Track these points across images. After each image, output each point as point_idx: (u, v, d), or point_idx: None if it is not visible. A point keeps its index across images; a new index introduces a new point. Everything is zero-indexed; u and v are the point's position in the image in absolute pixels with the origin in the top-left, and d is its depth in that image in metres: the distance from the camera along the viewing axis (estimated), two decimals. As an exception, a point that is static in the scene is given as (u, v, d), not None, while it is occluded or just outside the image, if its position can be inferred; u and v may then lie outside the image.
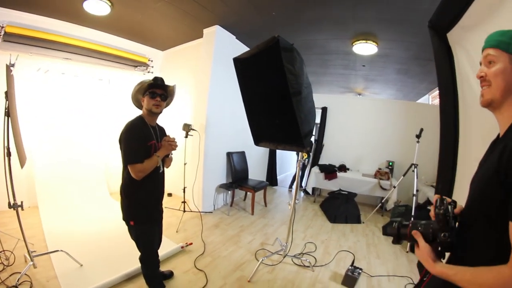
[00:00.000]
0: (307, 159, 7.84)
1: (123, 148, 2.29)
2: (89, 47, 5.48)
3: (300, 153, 3.37)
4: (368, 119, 7.21)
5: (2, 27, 4.36)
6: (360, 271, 3.29)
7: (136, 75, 6.46)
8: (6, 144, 2.74)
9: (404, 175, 5.12)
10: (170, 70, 6.65)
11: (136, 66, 6.37)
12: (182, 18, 4.96)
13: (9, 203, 2.78)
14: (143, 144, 2.30)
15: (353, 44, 5.18)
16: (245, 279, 3.25)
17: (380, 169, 6.29)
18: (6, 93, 2.71)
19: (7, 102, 2.70)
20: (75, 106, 5.65)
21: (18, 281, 2.70)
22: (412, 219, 3.86)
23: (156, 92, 2.40)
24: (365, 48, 5.25)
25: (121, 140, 2.31)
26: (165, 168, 2.66)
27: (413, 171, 4.78)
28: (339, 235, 4.80)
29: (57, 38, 5.01)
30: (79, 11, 4.58)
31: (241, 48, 5.86)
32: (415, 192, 4.62)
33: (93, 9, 4.51)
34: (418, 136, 4.85)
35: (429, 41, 3.16)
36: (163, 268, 3.30)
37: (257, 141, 3.49)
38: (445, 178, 2.51)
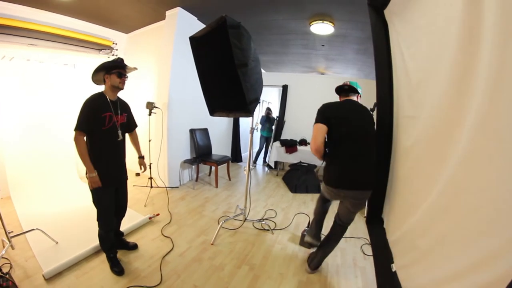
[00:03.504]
0: (269, 130, 8.25)
1: (77, 116, 2.65)
2: (54, 32, 5.46)
3: (252, 120, 3.75)
4: (327, 96, 7.36)
5: None
6: None
7: (101, 58, 6.34)
8: None
9: None
10: (134, 52, 6.77)
11: (101, 50, 6.40)
12: (145, 0, 5.06)
13: None
14: (94, 116, 2.65)
15: (311, 24, 5.31)
16: (208, 242, 3.60)
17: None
18: None
19: None
20: (41, 92, 5.62)
21: None
22: None
23: (122, 72, 2.81)
24: (322, 28, 5.39)
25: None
26: (126, 138, 3.05)
27: None
28: (300, 203, 5.15)
29: (20, 24, 4.98)
30: None
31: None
32: None
33: None
34: (372, 110, 4.90)
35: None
36: (132, 238, 3.61)
37: (212, 112, 3.75)
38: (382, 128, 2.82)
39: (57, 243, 3.48)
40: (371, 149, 2.70)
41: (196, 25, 5.75)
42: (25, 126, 5.35)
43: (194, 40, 3.44)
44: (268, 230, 4.01)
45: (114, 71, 2.77)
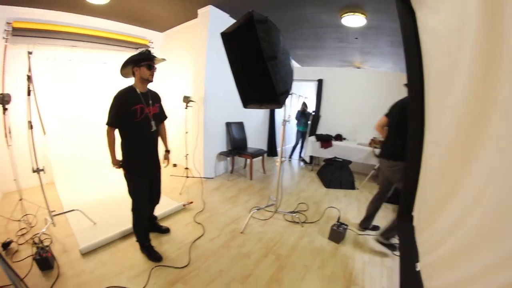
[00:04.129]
0: (305, 125, 8.19)
1: (108, 111, 2.76)
2: (92, 34, 5.83)
3: (284, 113, 3.78)
4: (363, 90, 7.34)
5: (10, 23, 4.76)
6: (345, 227, 3.54)
7: None
8: (28, 119, 3.22)
9: None
10: (170, 49, 6.98)
11: (138, 48, 6.63)
12: (177, 0, 5.24)
13: (32, 168, 3.29)
14: (125, 109, 2.72)
15: (342, 16, 5.22)
16: (238, 231, 3.73)
17: (374, 138, 6.43)
18: (28, 76, 3.16)
19: (29, 84, 3.17)
20: (81, 88, 6.06)
21: (39, 235, 3.19)
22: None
23: (152, 64, 2.85)
24: (354, 20, 5.27)
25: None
26: (158, 131, 3.11)
27: None
28: (332, 198, 5.11)
29: (61, 28, 5.37)
30: (81, 1, 4.90)
31: None
32: None
33: None
34: None
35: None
36: (165, 223, 3.81)
37: (245, 104, 3.81)
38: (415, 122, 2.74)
39: (95, 223, 3.77)
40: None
41: (228, 22, 5.74)
42: (66, 119, 5.81)
43: (225, 36, 3.51)
44: (298, 222, 4.02)
45: (143, 63, 2.81)
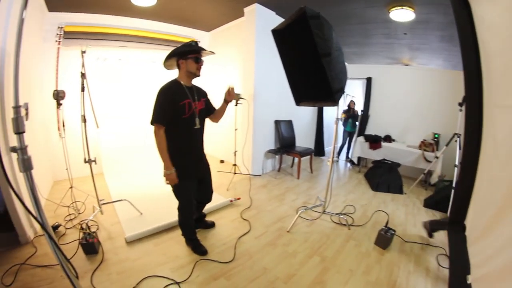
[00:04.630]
0: (352, 125, 7.93)
1: (153, 108, 2.56)
2: (140, 34, 6.11)
3: (337, 111, 3.63)
4: (414, 89, 7.07)
5: (61, 28, 5.13)
6: (393, 233, 3.35)
7: None
8: (82, 113, 3.39)
9: (447, 145, 4.99)
10: (217, 47, 6.94)
11: None
12: (223, 0, 5.28)
13: (84, 158, 3.47)
14: (173, 105, 2.54)
15: (389, 11, 5.03)
16: (284, 229, 3.66)
17: (425, 140, 6.16)
18: (81, 73, 3.32)
19: (83, 80, 3.32)
20: (131, 86, 6.33)
21: (87, 221, 3.32)
22: (452, 191, 3.88)
23: (199, 57, 2.68)
24: (402, 15, 5.05)
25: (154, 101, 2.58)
26: (204, 128, 2.91)
27: (455, 141, 4.58)
28: (380, 202, 4.91)
29: (110, 30, 5.69)
30: (128, 4, 5.08)
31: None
32: (457, 163, 4.40)
33: (140, 1, 4.99)
34: (460, 104, 4.48)
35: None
36: (212, 217, 3.80)
37: (298, 101, 3.74)
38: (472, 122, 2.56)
39: (141, 214, 3.86)
40: None
41: (275, 19, 5.83)
42: (116, 115, 6.12)
43: (276, 33, 3.45)
44: (345, 225, 3.90)
45: (190, 56, 2.63)
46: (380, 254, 3.25)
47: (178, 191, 2.84)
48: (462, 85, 2.75)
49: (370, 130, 7.55)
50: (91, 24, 5.48)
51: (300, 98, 3.71)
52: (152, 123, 2.57)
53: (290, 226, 3.70)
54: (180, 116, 2.59)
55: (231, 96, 2.98)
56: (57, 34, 5.13)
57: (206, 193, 3.20)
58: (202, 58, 2.75)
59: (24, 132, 1.56)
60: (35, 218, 1.55)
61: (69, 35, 5.24)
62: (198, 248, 3.02)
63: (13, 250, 2.94)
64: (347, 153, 8.49)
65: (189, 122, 2.69)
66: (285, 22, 3.21)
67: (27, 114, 1.61)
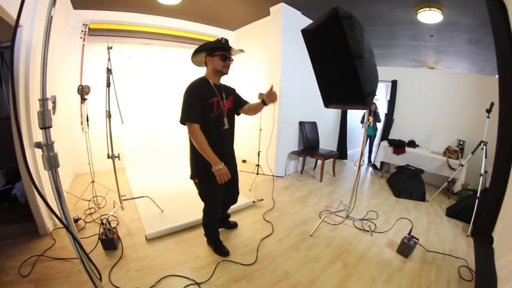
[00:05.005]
0: (373, 128, 7.80)
1: (182, 106, 2.42)
2: (165, 32, 6.15)
3: (365, 115, 3.60)
4: (439, 94, 6.89)
5: (86, 25, 5.23)
6: (416, 241, 3.27)
7: None
8: (107, 108, 3.39)
9: (472, 153, 4.84)
10: (241, 47, 6.89)
11: None
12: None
13: (108, 154, 3.48)
14: (202, 102, 2.42)
15: (417, 12, 4.97)
16: (307, 233, 3.60)
17: (449, 147, 6.00)
18: (107, 69, 3.32)
19: (108, 76, 3.32)
20: (156, 83, 6.37)
21: (108, 216, 3.34)
22: (476, 201, 3.86)
23: (227, 55, 2.56)
24: (430, 16, 4.99)
25: (182, 99, 2.45)
26: (234, 128, 2.80)
27: (482, 149, 4.43)
28: (402, 209, 4.80)
29: (135, 28, 5.75)
30: (153, 2, 5.14)
31: (307, 23, 5.93)
32: (482, 173, 4.26)
33: None
34: (488, 111, 4.47)
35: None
36: (234, 218, 3.74)
37: (327, 103, 3.66)
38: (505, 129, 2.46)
39: (162, 211, 3.84)
40: None
41: (300, 19, 5.83)
42: (140, 112, 6.18)
43: (306, 33, 3.39)
44: (368, 231, 3.82)
45: (217, 53, 2.53)
46: (402, 262, 3.17)
47: (204, 194, 2.78)
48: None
49: (394, 134, 7.37)
50: (115, 22, 5.55)
51: (329, 100, 3.63)
52: (182, 122, 2.45)
53: (313, 230, 3.63)
54: (209, 115, 2.49)
55: (271, 99, 2.79)
56: (82, 31, 5.23)
57: (232, 196, 3.13)
58: (232, 57, 2.65)
59: (50, 127, 1.49)
60: (61, 221, 1.54)
61: (93, 32, 5.33)
62: (220, 249, 2.98)
63: (32, 241, 2.98)
64: (369, 157, 8.35)
65: (218, 121, 2.59)
66: (315, 22, 3.14)
67: (54, 107, 1.62)
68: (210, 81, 2.59)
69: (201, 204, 2.87)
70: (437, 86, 6.96)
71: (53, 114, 1.37)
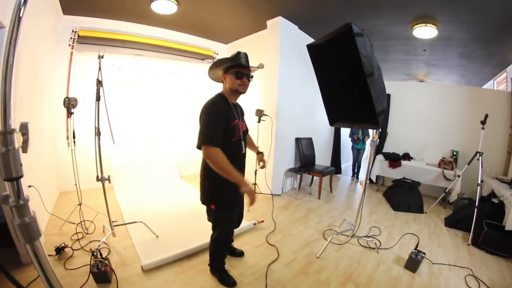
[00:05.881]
0: (363, 142, 7.71)
1: (200, 126, 2.16)
2: (157, 43, 5.97)
3: (372, 133, 3.49)
4: (431, 106, 6.90)
5: (76, 31, 5.01)
6: (423, 255, 3.24)
7: (204, 67, 6.84)
8: (96, 125, 3.08)
9: (468, 164, 4.88)
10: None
11: (204, 59, 6.78)
12: (246, 11, 5.12)
13: (97, 176, 3.13)
14: (225, 124, 2.18)
15: (413, 28, 5.05)
16: (314, 255, 3.42)
17: (444, 158, 6.01)
18: (98, 80, 3.02)
19: (98, 88, 3.03)
20: (147, 97, 6.16)
21: (99, 246, 2.99)
22: (475, 210, 3.88)
23: (242, 72, 2.27)
24: (425, 32, 5.09)
25: (200, 118, 2.19)
26: (246, 150, 2.59)
27: (478, 159, 4.48)
28: (402, 223, 4.75)
29: (127, 37, 5.55)
30: (147, 11, 4.99)
31: (304, 38, 5.97)
32: (479, 182, 4.32)
33: (161, 9, 4.85)
34: (483, 122, 4.52)
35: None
36: (236, 243, 3.47)
37: (333, 122, 3.56)
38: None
39: (157, 237, 3.56)
40: None
41: (297, 34, 5.80)
42: (130, 128, 5.96)
43: (313, 48, 3.27)
44: (373, 248, 3.70)
45: (232, 70, 2.27)
46: (411, 278, 3.11)
47: (220, 220, 2.51)
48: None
49: (388, 147, 7.35)
50: (107, 30, 5.36)
51: (336, 118, 3.54)
52: (200, 145, 2.14)
53: (320, 252, 3.46)
54: (229, 139, 2.25)
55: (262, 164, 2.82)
56: (71, 38, 5.03)
57: (238, 220, 2.89)
58: (252, 74, 2.38)
59: (21, 176, 0.99)
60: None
61: (83, 40, 5.13)
62: (226, 279, 2.72)
63: (14, 270, 2.67)
64: (357, 172, 8.19)
65: (238, 146, 2.36)
66: (324, 37, 3.01)
67: (26, 142, 0.98)
68: (229, 100, 2.35)
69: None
70: (429, 99, 7.00)
71: (25, 151, 0.90)
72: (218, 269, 2.80)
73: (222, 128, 2.15)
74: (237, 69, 2.27)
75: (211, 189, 2.37)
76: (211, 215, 2.55)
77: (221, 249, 2.72)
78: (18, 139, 0.91)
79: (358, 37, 2.59)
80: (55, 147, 4.95)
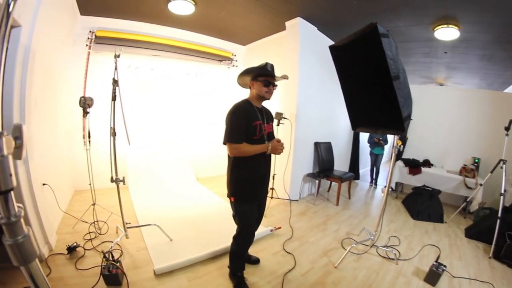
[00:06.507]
0: (381, 148, 7.56)
1: (225, 127, 2.40)
2: (174, 44, 5.95)
3: (395, 140, 3.37)
4: (451, 110, 6.72)
5: (93, 32, 5.08)
6: (444, 268, 3.11)
7: (222, 68, 6.88)
8: (112, 125, 3.04)
9: (491, 172, 4.66)
10: (252, 63, 6.80)
11: (221, 61, 6.75)
12: (264, 12, 5.05)
13: (111, 177, 3.11)
14: (246, 125, 2.39)
15: (435, 29, 4.94)
16: (331, 265, 3.31)
17: (465, 165, 5.79)
18: (114, 80, 3.00)
19: (115, 88, 3.00)
20: (164, 98, 6.16)
21: (111, 248, 2.97)
22: (498, 221, 3.76)
23: (270, 80, 2.53)
24: (447, 33, 4.96)
25: (226, 120, 2.43)
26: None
27: (501, 167, 4.29)
28: (422, 232, 4.59)
29: (144, 38, 5.57)
30: (164, 12, 5.00)
31: (323, 39, 5.88)
32: (502, 192, 4.13)
33: (178, 9, 4.82)
34: (507, 129, 4.33)
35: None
36: (252, 250, 3.38)
37: (355, 126, 3.45)
38: None
39: (171, 240, 3.51)
40: None
41: (316, 35, 5.72)
42: (146, 129, 5.99)
43: (335, 50, 3.16)
44: (393, 259, 3.56)
45: (260, 78, 2.52)
46: None
47: (240, 214, 2.61)
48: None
49: (408, 153, 7.15)
50: (124, 30, 5.41)
51: (358, 123, 3.42)
52: (224, 142, 2.42)
53: (338, 262, 3.34)
54: (251, 137, 2.44)
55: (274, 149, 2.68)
56: (88, 38, 5.09)
57: (257, 221, 2.90)
58: (276, 83, 2.64)
59: (11, 189, 0.79)
60: None
61: (100, 40, 5.18)
62: (241, 286, 2.70)
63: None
64: (375, 177, 7.99)
65: (260, 144, 2.51)
66: (347, 38, 2.90)
67: (20, 146, 0.80)
68: (253, 104, 2.57)
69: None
70: (449, 103, 6.82)
71: (18, 158, 0.72)
72: (236, 275, 2.78)
73: (243, 127, 2.38)
74: (265, 78, 2.53)
75: (232, 182, 2.55)
76: (232, 209, 2.63)
77: (241, 247, 2.74)
78: (8, 144, 0.74)
79: (384, 38, 2.51)
80: (71, 146, 4.99)
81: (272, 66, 2.58)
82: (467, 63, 6.68)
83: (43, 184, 3.25)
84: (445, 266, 3.13)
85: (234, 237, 2.69)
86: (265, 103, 2.75)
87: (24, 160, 2.74)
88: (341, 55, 3.13)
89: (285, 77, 2.68)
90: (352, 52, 2.98)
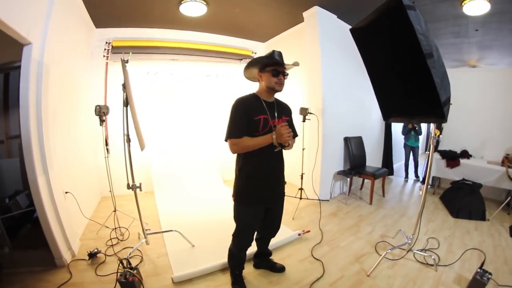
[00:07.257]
0: (415, 140, 7.26)
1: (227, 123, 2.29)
2: (192, 47, 6.01)
3: (433, 129, 3.11)
4: (487, 95, 6.37)
5: (109, 43, 5.38)
6: (489, 276, 2.74)
7: (242, 67, 6.70)
8: (126, 131, 3.03)
9: None
10: None
11: (242, 59, 6.72)
12: (279, 5, 4.94)
13: (128, 184, 3.11)
14: (247, 119, 2.23)
15: (462, 4, 4.61)
16: (363, 273, 3.07)
17: (508, 155, 5.34)
18: (123, 85, 2.96)
19: (125, 93, 2.95)
20: (186, 101, 6.23)
21: (130, 254, 3.01)
22: None
23: (278, 70, 2.31)
24: (475, 7, 4.62)
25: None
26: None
27: None
28: (463, 232, 4.24)
29: (159, 43, 5.69)
30: (177, 15, 5.04)
31: (344, 27, 5.62)
32: None
33: (190, 11, 4.81)
34: None
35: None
36: (277, 256, 3.27)
37: (387, 117, 3.23)
38: None
39: (193, 246, 3.48)
40: None
41: (337, 23, 5.51)
42: (170, 134, 6.10)
43: (356, 32, 2.96)
44: (432, 265, 3.24)
45: (268, 68, 2.31)
46: None
47: (237, 215, 2.53)
48: None
49: (444, 144, 6.76)
50: (139, 38, 5.57)
51: (391, 112, 3.19)
52: (226, 139, 2.29)
53: (372, 269, 3.10)
54: (253, 134, 2.24)
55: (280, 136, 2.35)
56: (105, 49, 5.30)
57: (270, 228, 2.76)
58: (287, 72, 2.40)
59: None
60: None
61: (117, 50, 5.35)
62: (236, 284, 2.71)
63: (48, 272, 2.85)
64: (415, 171, 7.63)
65: None
66: (369, 16, 2.69)
67: None
68: (261, 98, 2.37)
69: None
70: (485, 86, 6.50)
71: None
72: (233, 271, 2.77)
73: (243, 122, 2.23)
74: (273, 67, 2.30)
75: (235, 181, 2.47)
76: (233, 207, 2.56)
77: (236, 247, 2.64)
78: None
79: (410, 11, 2.27)
80: (96, 153, 5.12)
81: (280, 53, 2.38)
82: (500, 40, 6.20)
83: (66, 192, 3.35)
84: (490, 274, 2.78)
85: (233, 235, 2.64)
86: (284, 97, 2.60)
87: (44, 170, 2.83)
88: (364, 38, 2.92)
89: (296, 64, 2.41)
90: (376, 33, 2.77)
